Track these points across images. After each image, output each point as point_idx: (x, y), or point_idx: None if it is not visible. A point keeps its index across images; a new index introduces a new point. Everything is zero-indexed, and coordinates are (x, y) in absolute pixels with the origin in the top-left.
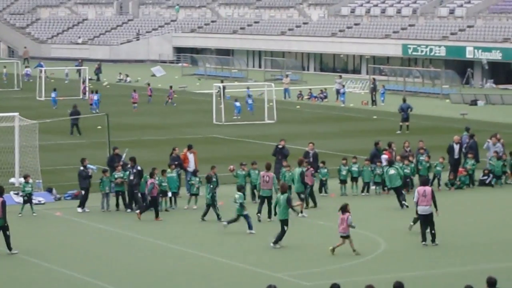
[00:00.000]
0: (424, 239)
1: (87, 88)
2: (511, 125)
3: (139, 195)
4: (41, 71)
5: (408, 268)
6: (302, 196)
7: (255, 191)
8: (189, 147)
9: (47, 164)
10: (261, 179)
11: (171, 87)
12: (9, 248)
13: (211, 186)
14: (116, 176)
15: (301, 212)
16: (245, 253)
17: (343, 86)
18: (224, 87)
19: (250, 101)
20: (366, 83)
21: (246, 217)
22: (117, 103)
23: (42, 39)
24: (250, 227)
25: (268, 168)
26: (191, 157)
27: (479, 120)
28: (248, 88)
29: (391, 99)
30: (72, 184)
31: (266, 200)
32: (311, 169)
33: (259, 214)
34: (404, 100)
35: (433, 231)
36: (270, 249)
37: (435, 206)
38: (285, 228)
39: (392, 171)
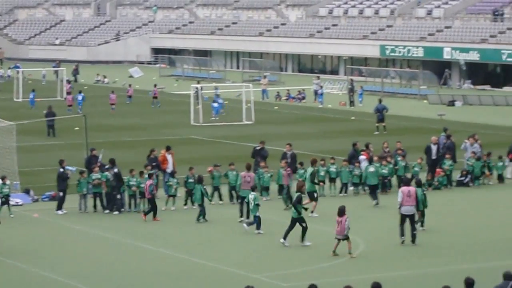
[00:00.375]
0: (402, 233)
1: (70, 88)
2: (489, 126)
3: (118, 196)
4: (18, 72)
5: (386, 269)
6: (315, 195)
7: (233, 192)
8: (168, 148)
9: (24, 165)
10: (242, 180)
11: (155, 85)
12: None
13: (204, 186)
14: (93, 177)
15: (312, 212)
16: (224, 254)
17: (321, 87)
18: (201, 88)
19: (220, 101)
20: (344, 84)
21: (257, 217)
22: (95, 104)
23: (19, 40)
24: (258, 227)
25: (248, 168)
26: (169, 158)
27: (456, 120)
28: (216, 88)
29: (369, 100)
30: (49, 185)
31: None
32: (289, 169)
33: (244, 219)
34: (380, 101)
35: (414, 232)
36: (248, 250)
37: (418, 207)
38: (304, 224)
39: (371, 169)
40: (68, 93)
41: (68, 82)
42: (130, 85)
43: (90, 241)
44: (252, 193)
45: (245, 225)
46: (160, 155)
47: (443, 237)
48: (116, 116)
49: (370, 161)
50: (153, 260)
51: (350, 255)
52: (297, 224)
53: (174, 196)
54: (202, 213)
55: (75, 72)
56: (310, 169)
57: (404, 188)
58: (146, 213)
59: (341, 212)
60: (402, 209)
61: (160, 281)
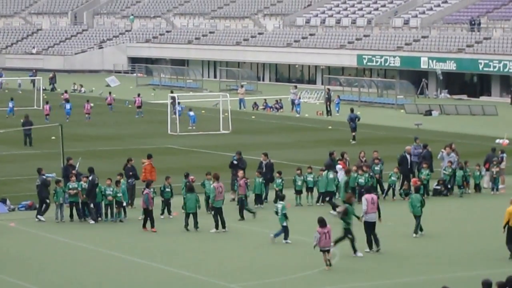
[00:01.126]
0: (370, 247)
1: (67, 96)
2: (466, 135)
3: (92, 205)
4: None
5: (362, 278)
6: None
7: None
8: (149, 157)
9: (0, 174)
10: (216, 191)
11: (138, 94)
12: None
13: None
14: (70, 186)
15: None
16: (199, 263)
17: (299, 97)
18: (175, 98)
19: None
20: (321, 94)
21: (285, 227)
22: (72, 113)
23: None
24: (286, 237)
25: (217, 178)
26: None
27: (433, 130)
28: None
29: (346, 109)
30: (26, 195)
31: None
32: (245, 179)
33: (219, 230)
34: (352, 110)
35: (377, 236)
36: (225, 260)
37: (379, 214)
38: (350, 236)
39: (331, 175)
40: (47, 102)
41: (65, 92)
42: (110, 93)
43: (66, 251)
44: (280, 202)
45: (271, 235)
46: (146, 165)
47: (419, 247)
48: (93, 126)
49: (349, 170)
50: (128, 270)
51: (329, 267)
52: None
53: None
54: (196, 223)
55: (52, 81)
56: (344, 178)
57: (368, 196)
58: (152, 225)
59: (324, 223)
60: (367, 217)
61: None
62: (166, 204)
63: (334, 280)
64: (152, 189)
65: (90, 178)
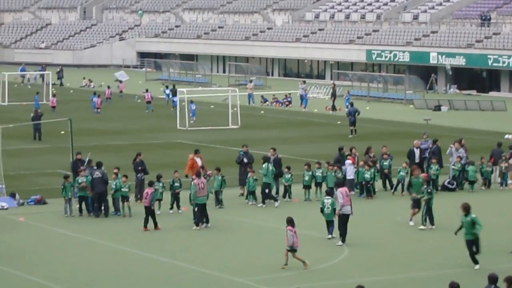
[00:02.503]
0: (344, 238)
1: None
2: (475, 131)
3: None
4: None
5: (370, 273)
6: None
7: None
8: (196, 152)
9: (10, 169)
10: (197, 187)
11: (147, 90)
12: None
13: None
14: (79, 180)
15: (410, 220)
16: (207, 258)
17: (306, 91)
18: (175, 92)
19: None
20: (330, 89)
21: (332, 223)
22: (80, 108)
23: (5, 43)
24: (330, 233)
25: (198, 175)
26: (198, 161)
27: (442, 125)
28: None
29: (355, 105)
30: (35, 189)
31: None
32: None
33: (201, 226)
34: (352, 104)
35: (346, 231)
36: (233, 255)
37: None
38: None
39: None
40: (53, 95)
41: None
42: (109, 87)
43: (75, 245)
44: (328, 197)
45: (330, 236)
46: (189, 159)
47: (428, 241)
48: (102, 120)
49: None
50: (136, 264)
51: (286, 266)
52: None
53: (159, 200)
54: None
55: (60, 75)
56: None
57: (341, 189)
58: (154, 225)
59: (293, 223)
60: (344, 209)
61: (143, 285)
62: (175, 198)
63: (341, 274)
64: (161, 183)
65: (99, 173)
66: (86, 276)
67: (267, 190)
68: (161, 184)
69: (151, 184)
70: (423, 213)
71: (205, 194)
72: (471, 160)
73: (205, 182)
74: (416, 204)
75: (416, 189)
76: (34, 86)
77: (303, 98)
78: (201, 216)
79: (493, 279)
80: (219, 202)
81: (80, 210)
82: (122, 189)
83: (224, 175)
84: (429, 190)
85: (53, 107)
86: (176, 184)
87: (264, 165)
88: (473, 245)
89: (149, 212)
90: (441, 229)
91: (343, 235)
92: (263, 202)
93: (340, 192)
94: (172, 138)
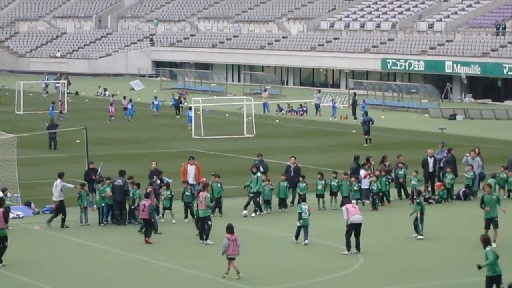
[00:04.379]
0: (349, 247)
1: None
2: (490, 140)
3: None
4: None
5: (385, 283)
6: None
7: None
8: (189, 159)
9: (25, 178)
10: (198, 200)
11: (124, 97)
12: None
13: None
14: (106, 189)
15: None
16: (220, 266)
17: (334, 100)
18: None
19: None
20: (345, 98)
21: (307, 228)
22: (96, 117)
23: (20, 52)
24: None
25: (204, 187)
26: (190, 169)
27: (458, 134)
28: (155, 97)
29: (370, 114)
30: (50, 198)
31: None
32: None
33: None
34: (366, 113)
35: (359, 241)
36: (246, 264)
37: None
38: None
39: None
40: (61, 103)
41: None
42: (124, 97)
43: (90, 254)
44: (304, 203)
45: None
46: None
47: (439, 251)
48: (117, 130)
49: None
50: (152, 273)
51: (239, 275)
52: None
53: (168, 208)
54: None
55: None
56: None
57: (347, 205)
58: (148, 236)
59: (231, 230)
60: (352, 219)
61: None
62: (187, 207)
63: (358, 284)
64: (169, 191)
65: (120, 181)
66: (101, 285)
67: (258, 199)
68: (168, 192)
69: (147, 196)
70: (414, 222)
71: (203, 208)
72: (494, 173)
73: (204, 196)
74: (488, 223)
75: (489, 206)
76: (50, 95)
77: (318, 107)
78: (202, 228)
79: None
80: (219, 209)
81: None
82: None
83: (221, 182)
84: (417, 201)
85: (61, 112)
86: (187, 193)
87: (256, 175)
88: (493, 283)
89: (149, 224)
90: (457, 239)
91: (358, 245)
92: (255, 212)
93: (346, 208)
94: (187, 147)
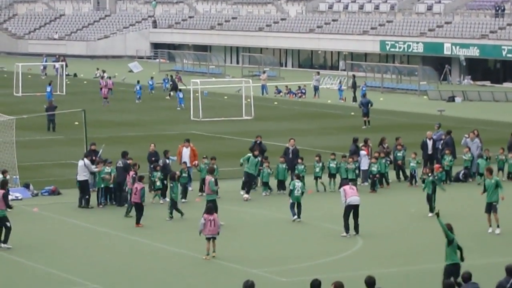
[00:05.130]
0: (348, 229)
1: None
2: (489, 122)
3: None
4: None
5: (384, 265)
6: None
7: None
8: (185, 141)
9: (24, 160)
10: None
11: (108, 76)
12: (5, 241)
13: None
14: (105, 170)
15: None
16: (221, 249)
17: (340, 82)
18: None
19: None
20: (343, 80)
21: (300, 205)
22: (94, 99)
23: (19, 34)
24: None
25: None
26: (185, 151)
27: (456, 116)
28: (151, 77)
29: (369, 96)
30: (49, 180)
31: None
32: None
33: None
34: (365, 95)
35: (357, 223)
36: (248, 246)
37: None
38: None
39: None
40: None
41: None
42: (110, 78)
43: (89, 236)
44: (298, 181)
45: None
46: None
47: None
48: (116, 112)
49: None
50: (151, 255)
51: (214, 254)
52: None
53: (159, 189)
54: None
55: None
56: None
57: (345, 186)
58: (138, 222)
59: (210, 209)
60: (350, 200)
61: (157, 277)
62: (184, 188)
63: (356, 266)
64: (158, 173)
65: (120, 163)
66: (100, 267)
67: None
68: (158, 174)
69: (140, 179)
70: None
71: (209, 193)
72: (481, 152)
73: (208, 179)
74: (488, 208)
75: (490, 191)
76: (48, 77)
77: (317, 89)
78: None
79: (511, 271)
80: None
81: (103, 200)
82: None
83: (217, 164)
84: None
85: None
86: (184, 175)
87: (248, 156)
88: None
89: (139, 208)
90: (456, 221)
91: (356, 227)
92: (247, 193)
93: (344, 189)
94: (185, 129)
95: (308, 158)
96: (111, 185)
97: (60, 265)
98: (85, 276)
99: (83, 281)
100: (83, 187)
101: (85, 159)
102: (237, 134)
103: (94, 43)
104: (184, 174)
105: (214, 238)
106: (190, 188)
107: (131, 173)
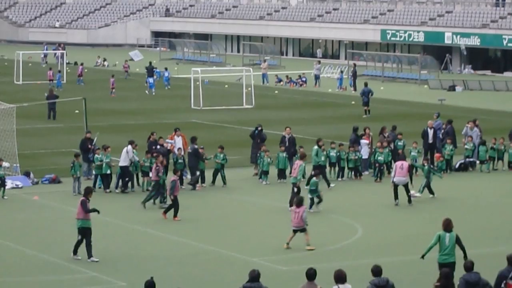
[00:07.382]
0: (396, 197)
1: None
2: (489, 111)
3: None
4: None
5: (385, 254)
6: None
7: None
8: (175, 130)
9: (24, 148)
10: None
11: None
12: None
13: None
14: (99, 158)
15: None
16: (222, 238)
17: (341, 71)
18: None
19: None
20: (344, 69)
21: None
22: (95, 88)
23: (20, 22)
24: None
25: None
26: (177, 139)
27: (457, 106)
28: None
29: (370, 85)
30: (49, 168)
31: None
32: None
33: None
34: (366, 84)
35: (409, 194)
36: (248, 234)
37: (411, 179)
38: None
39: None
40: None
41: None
42: (82, 63)
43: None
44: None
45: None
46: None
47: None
48: (116, 100)
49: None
50: (151, 244)
51: (309, 247)
52: None
53: (147, 175)
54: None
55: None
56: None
57: (398, 162)
58: (165, 211)
59: (300, 202)
60: (395, 180)
61: (158, 265)
62: (181, 174)
63: (356, 254)
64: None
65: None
66: (100, 255)
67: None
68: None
69: (175, 172)
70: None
71: None
72: (483, 140)
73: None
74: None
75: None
76: (49, 65)
77: (318, 78)
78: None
79: None
80: (222, 180)
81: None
82: (146, 164)
83: (225, 153)
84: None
85: (50, 80)
86: (180, 161)
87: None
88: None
89: (173, 201)
90: (456, 210)
91: (395, 197)
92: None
93: (396, 165)
94: (186, 118)
95: (308, 147)
96: (109, 172)
97: (59, 253)
98: (84, 264)
99: (83, 269)
100: (124, 172)
101: (129, 146)
102: (237, 123)
103: (95, 32)
104: (180, 161)
105: (301, 231)
106: (187, 176)
107: (154, 165)
